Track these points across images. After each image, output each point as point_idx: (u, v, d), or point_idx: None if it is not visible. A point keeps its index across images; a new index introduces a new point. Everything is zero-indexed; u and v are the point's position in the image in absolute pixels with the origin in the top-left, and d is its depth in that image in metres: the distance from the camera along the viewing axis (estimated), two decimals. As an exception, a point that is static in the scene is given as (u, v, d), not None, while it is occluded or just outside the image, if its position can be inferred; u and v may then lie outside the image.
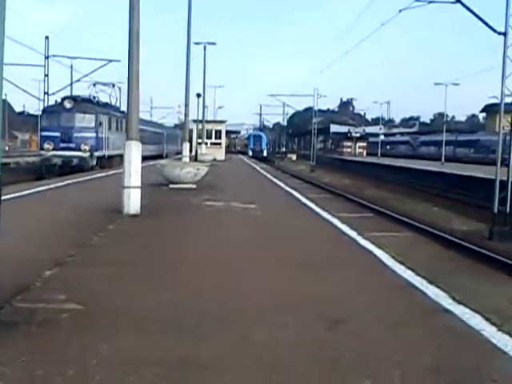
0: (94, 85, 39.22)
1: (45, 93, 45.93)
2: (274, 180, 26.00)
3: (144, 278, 6.55)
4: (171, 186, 18.00)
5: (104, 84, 39.75)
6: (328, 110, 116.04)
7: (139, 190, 11.73)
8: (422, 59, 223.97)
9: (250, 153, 79.78)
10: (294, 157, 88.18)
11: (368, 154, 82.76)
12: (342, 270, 7.38)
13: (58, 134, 30.53)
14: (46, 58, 47.23)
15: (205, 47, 46.09)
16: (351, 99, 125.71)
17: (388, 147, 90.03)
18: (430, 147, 73.86)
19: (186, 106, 34.67)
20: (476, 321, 5.18)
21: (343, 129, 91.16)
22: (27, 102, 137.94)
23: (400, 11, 21.83)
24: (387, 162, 55.37)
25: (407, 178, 39.52)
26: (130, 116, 12.07)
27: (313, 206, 14.84)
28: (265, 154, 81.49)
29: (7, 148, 66.54)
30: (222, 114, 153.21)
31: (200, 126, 49.08)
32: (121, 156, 14.37)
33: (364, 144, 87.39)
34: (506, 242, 16.18)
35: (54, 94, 44.24)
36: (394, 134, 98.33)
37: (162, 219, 11.54)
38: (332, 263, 7.80)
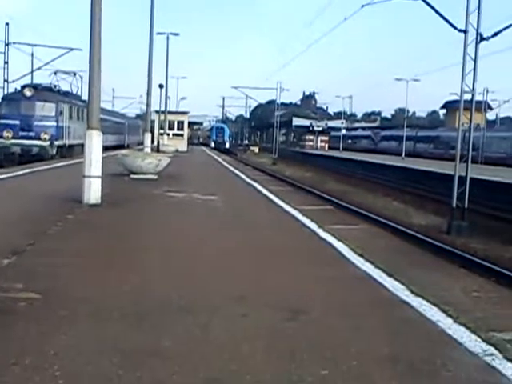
0: (55, 73, 38.62)
1: (5, 80, 45.10)
2: (236, 172, 26.00)
3: (103, 267, 6.50)
4: (132, 176, 17.88)
5: (65, 72, 39.18)
6: (291, 103, 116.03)
7: (100, 180, 11.63)
8: (384, 55, 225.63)
9: (213, 144, 79.60)
10: (256, 149, 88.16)
11: (330, 148, 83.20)
12: (302, 262, 7.43)
13: (17, 122, 30.02)
14: (6, 45, 46.35)
15: (167, 37, 45.89)
16: (314, 93, 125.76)
17: (350, 141, 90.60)
18: (390, 142, 74.48)
19: (148, 96, 34.43)
20: (432, 312, 5.26)
21: (306, 122, 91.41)
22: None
23: (362, 6, 21.94)
24: (349, 156, 55.75)
25: (368, 172, 39.89)
26: (91, 105, 11.95)
27: (274, 198, 14.89)
28: (227, 146, 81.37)
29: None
30: (185, 105, 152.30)
31: (162, 117, 48.79)
32: (82, 145, 14.22)
33: (326, 138, 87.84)
34: (463, 236, 16.45)
35: (13, 81, 43.44)
36: (355, 129, 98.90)
37: (122, 209, 11.45)
38: (292, 255, 7.84)
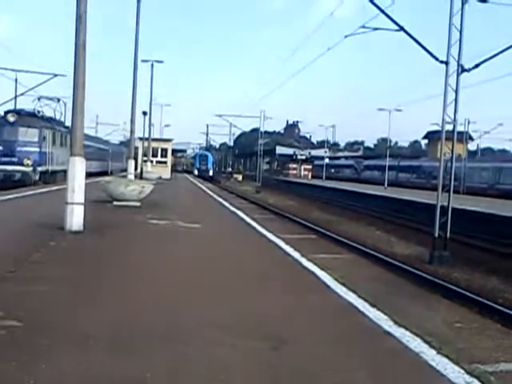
0: (39, 99, 38.61)
1: (-13, 106, 44.92)
2: (220, 200, 25.97)
3: (84, 295, 6.43)
4: (115, 203, 17.80)
5: (49, 98, 39.16)
6: (274, 131, 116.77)
7: (82, 207, 11.56)
8: (366, 84, 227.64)
9: (196, 172, 79.61)
10: (239, 177, 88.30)
11: (313, 177, 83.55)
12: (285, 291, 7.40)
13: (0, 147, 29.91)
14: (-10, 70, 46.24)
15: (152, 65, 46.23)
16: (297, 122, 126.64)
17: (333, 170, 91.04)
18: (373, 171, 74.94)
19: (132, 122, 34.36)
20: (415, 343, 5.25)
21: (289, 151, 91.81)
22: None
23: (346, 37, 22.16)
24: (332, 184, 55.94)
25: (351, 201, 40.01)
26: (74, 131, 11.91)
27: (257, 226, 14.87)
28: (211, 173, 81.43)
29: None
30: (169, 132, 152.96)
31: (146, 144, 48.79)
32: (65, 171, 14.15)
33: (309, 167, 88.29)
34: (445, 266, 16.50)
35: (-4, 107, 43.30)
36: (338, 158, 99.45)
37: (104, 236, 11.37)
38: (275, 284, 7.82)
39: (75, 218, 11.39)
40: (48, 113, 37.08)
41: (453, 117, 18.02)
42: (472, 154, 74.64)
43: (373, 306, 6.58)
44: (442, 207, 18.01)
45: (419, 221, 25.29)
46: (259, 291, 7.27)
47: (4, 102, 43.24)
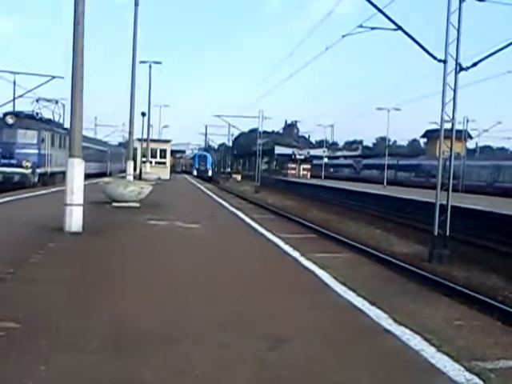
0: (37, 101, 38.60)
1: (-14, 108, 44.88)
2: (219, 200, 25.97)
3: (83, 296, 6.43)
4: (114, 204, 17.80)
5: (47, 100, 39.16)
6: (273, 131, 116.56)
7: (81, 208, 11.56)
8: (365, 84, 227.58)
9: (195, 172, 79.61)
10: (238, 177, 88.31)
11: (312, 176, 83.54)
12: (284, 290, 7.40)
13: None
14: (-12, 73, 46.20)
15: (150, 66, 46.17)
16: (296, 122, 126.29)
17: (332, 170, 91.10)
18: (372, 170, 75.03)
19: (131, 123, 34.34)
20: (416, 341, 5.25)
21: (288, 151, 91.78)
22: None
23: (343, 36, 22.08)
24: (331, 184, 55.94)
25: (351, 200, 40.03)
26: (72, 133, 11.90)
27: (257, 226, 14.87)
28: (210, 173, 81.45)
29: None
30: (168, 133, 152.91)
31: (145, 145, 48.78)
32: (64, 173, 14.15)
33: (308, 166, 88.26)
34: (444, 264, 16.51)
35: (-5, 109, 43.29)
36: (337, 157, 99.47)
37: (103, 237, 11.37)
38: (274, 283, 7.82)
39: (74, 220, 11.39)
40: (46, 114, 37.12)
41: (451, 115, 18.02)
42: (471, 153, 74.76)
43: (372, 304, 6.58)
44: (441, 205, 18.01)
45: (418, 219, 25.30)
46: (258, 290, 7.26)
47: (2, 104, 43.26)
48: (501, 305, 11.38)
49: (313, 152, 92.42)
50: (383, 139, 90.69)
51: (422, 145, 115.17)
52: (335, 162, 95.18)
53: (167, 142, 56.16)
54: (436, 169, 19.72)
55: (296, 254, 10.17)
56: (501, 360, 7.22)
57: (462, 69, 17.91)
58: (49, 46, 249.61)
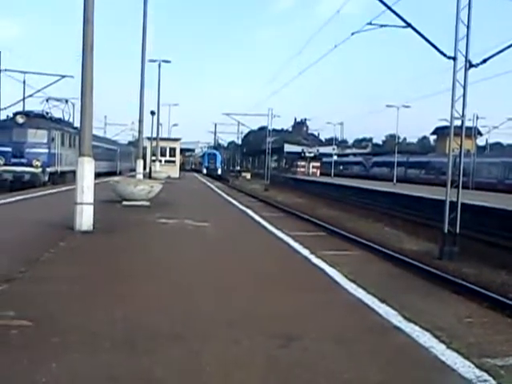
0: (47, 100, 38.81)
1: (-4, 107, 45.10)
2: (228, 198, 25.98)
3: (95, 294, 6.47)
4: (124, 203, 17.84)
5: (57, 99, 39.36)
6: (282, 129, 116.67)
7: (92, 207, 11.62)
8: (374, 81, 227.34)
9: (205, 171, 79.75)
10: (248, 175, 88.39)
11: (321, 174, 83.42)
12: (294, 288, 7.41)
13: (9, 149, 30.10)
14: (-2, 72, 46.45)
15: (159, 65, 46.22)
16: (305, 119, 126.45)
17: (341, 167, 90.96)
18: (382, 168, 74.87)
19: (140, 122, 34.40)
20: (425, 338, 5.26)
21: (297, 149, 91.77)
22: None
23: (352, 34, 22.03)
24: (341, 181, 55.89)
25: (360, 198, 39.98)
26: (83, 132, 11.94)
27: (266, 224, 14.88)
28: (219, 172, 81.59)
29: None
30: (177, 131, 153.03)
31: (154, 144, 48.87)
32: (74, 172, 14.21)
33: (317, 164, 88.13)
34: (454, 261, 16.49)
35: (5, 108, 43.49)
36: (347, 155, 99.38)
37: (114, 236, 11.42)
38: (284, 281, 7.83)
39: (85, 218, 11.45)
40: (56, 114, 37.31)
41: (461, 112, 17.97)
42: (481, 150, 74.45)
43: (382, 301, 6.59)
44: (451, 202, 17.97)
45: (428, 217, 25.26)
46: (268, 288, 7.28)
47: (12, 104, 43.53)
48: (511, 302, 11.35)
49: (322, 150, 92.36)
50: (393, 137, 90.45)
51: (431, 142, 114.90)
52: (345, 159, 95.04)
53: (177, 140, 56.20)
54: (446, 166, 19.67)
55: (306, 252, 10.18)
56: (511, 357, 7.22)
57: (471, 65, 17.86)
58: (59, 45, 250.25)
